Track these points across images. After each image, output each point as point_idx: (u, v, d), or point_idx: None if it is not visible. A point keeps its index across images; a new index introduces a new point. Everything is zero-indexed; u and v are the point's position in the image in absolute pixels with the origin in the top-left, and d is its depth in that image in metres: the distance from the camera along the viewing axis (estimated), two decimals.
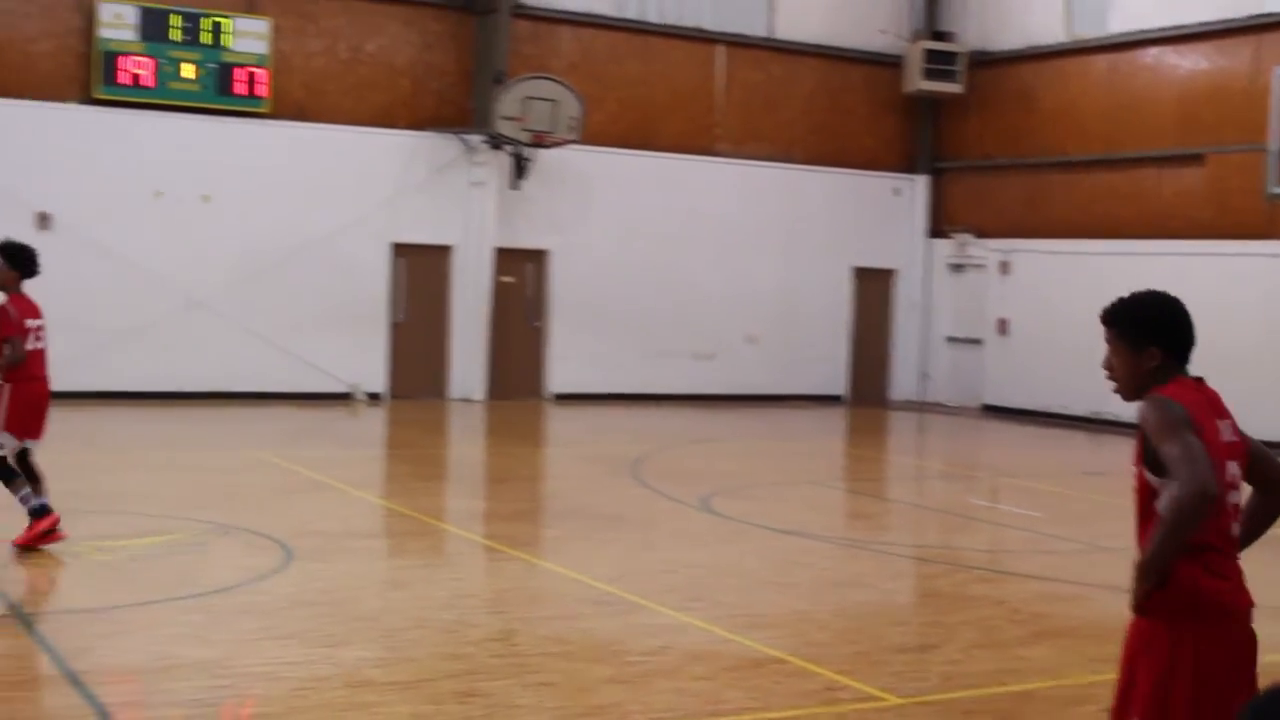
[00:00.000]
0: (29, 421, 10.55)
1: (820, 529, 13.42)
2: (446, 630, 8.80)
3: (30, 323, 10.48)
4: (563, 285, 25.23)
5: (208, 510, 12.59)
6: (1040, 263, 25.50)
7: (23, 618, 8.66)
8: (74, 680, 7.39)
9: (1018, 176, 26.85)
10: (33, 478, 10.53)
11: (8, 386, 10.45)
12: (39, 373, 10.65)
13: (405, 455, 19.18)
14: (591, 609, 9.56)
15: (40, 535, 10.41)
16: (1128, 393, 4.77)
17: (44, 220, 21.44)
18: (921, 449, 23.31)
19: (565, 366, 25.25)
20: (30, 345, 10.44)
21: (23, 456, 10.58)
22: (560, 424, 23.00)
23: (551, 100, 23.79)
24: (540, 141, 23.83)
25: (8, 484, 10.47)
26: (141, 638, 8.33)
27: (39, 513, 10.44)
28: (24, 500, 10.45)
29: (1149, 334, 4.70)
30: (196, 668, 7.72)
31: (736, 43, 26.70)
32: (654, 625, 9.15)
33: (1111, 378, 4.81)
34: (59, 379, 21.01)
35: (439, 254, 24.39)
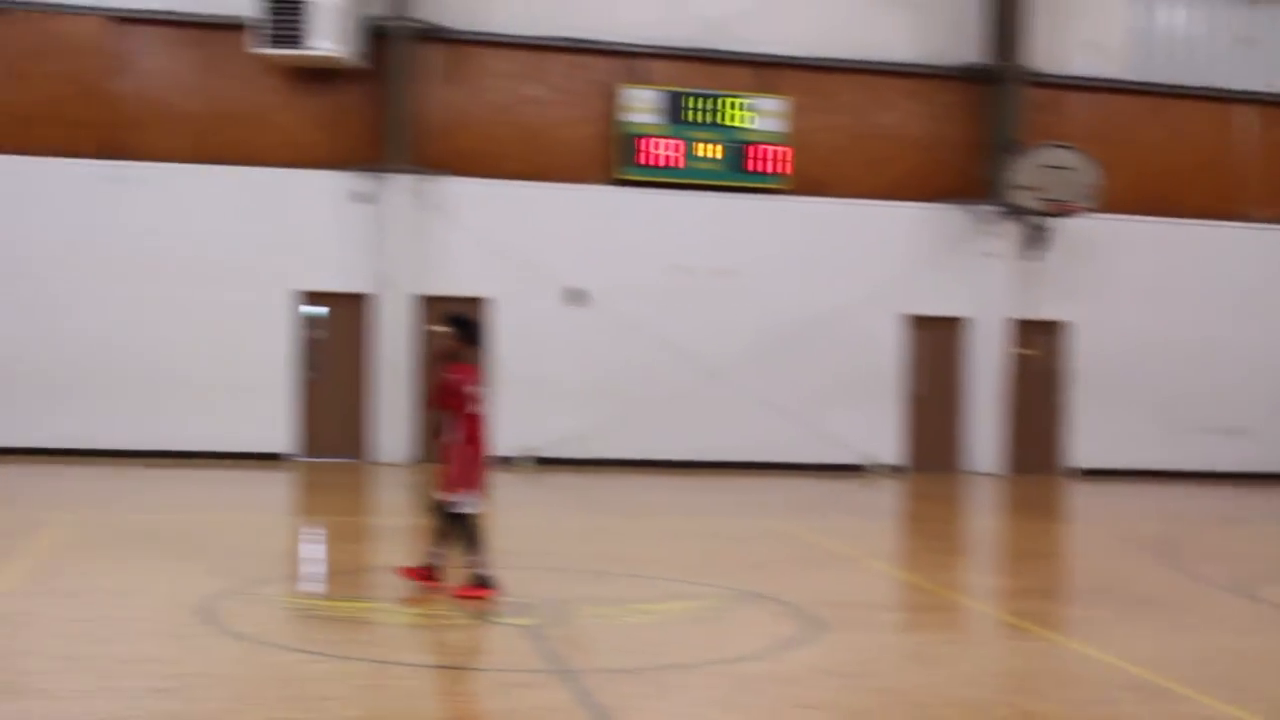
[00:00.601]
0: (483, 480, 11.28)
1: None
2: (975, 709, 8.56)
3: (474, 389, 11.18)
4: (1083, 357, 24.51)
5: (729, 577, 12.81)
6: None
7: (563, 674, 8.99)
8: None
9: None
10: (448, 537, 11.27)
11: (466, 449, 11.13)
12: (483, 435, 11.31)
13: (922, 528, 18.99)
14: (1127, 695, 9.09)
15: (477, 599, 11.01)
16: None
17: (574, 295, 22.57)
18: None
19: (1087, 441, 24.48)
20: (474, 410, 11.14)
21: (446, 513, 11.25)
22: (1082, 500, 22.23)
23: (1067, 168, 23.26)
24: (1056, 211, 23.32)
25: (475, 545, 11.15)
26: (675, 700, 8.50)
27: (487, 583, 11.11)
28: (477, 565, 11.12)
29: None
30: None
31: (1264, 101, 25.36)
32: (1199, 716, 8.62)
33: None
34: (592, 447, 22.23)
35: (952, 326, 24.17)
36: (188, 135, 22.20)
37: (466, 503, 11.14)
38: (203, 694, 8.14)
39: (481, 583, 11.14)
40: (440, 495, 11.25)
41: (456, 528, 11.20)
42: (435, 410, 11.35)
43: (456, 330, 11.37)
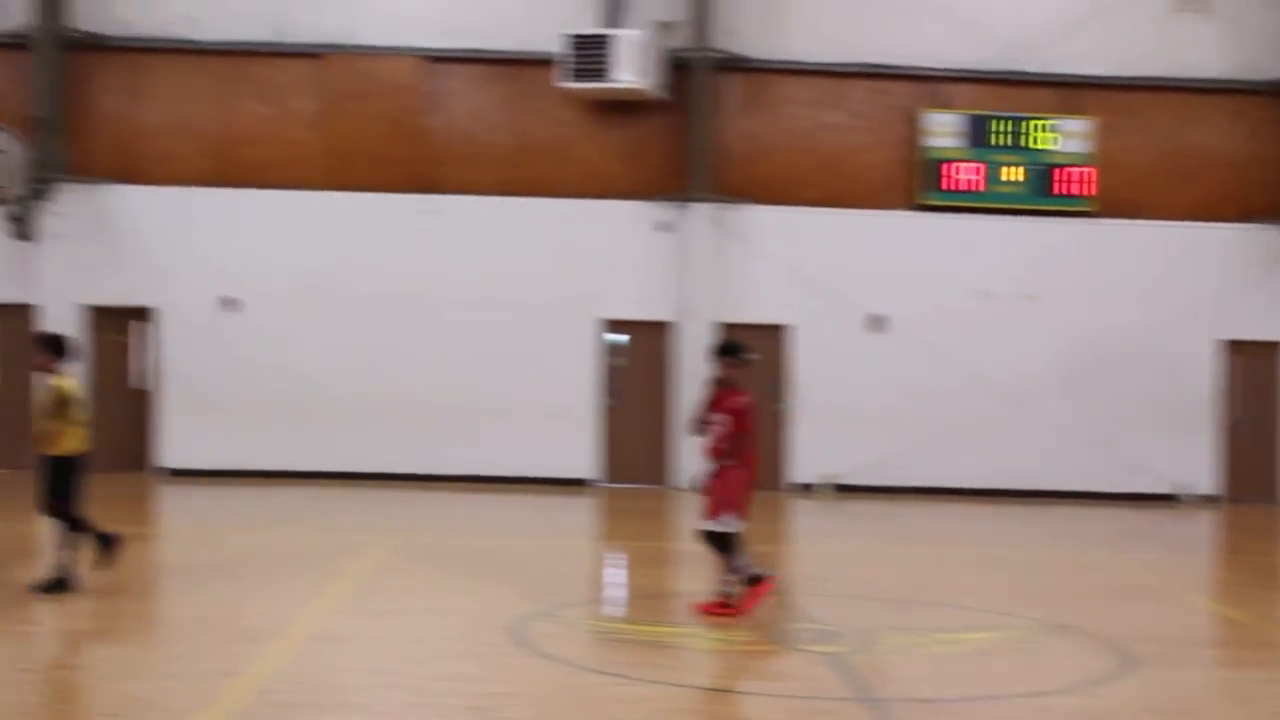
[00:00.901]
0: (748, 504, 11.57)
1: None
2: None
3: (750, 415, 11.51)
4: None
5: (1037, 607, 12.52)
6: None
7: (869, 703, 8.92)
8: None
9: None
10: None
11: (738, 473, 11.45)
12: (753, 459, 11.60)
13: (1240, 561, 18.20)
14: None
15: (761, 596, 11.43)
16: None
17: (876, 322, 22.45)
18: None
19: None
20: (748, 435, 11.47)
21: (712, 533, 11.50)
22: None
23: None
24: None
25: (732, 557, 11.45)
26: None
27: (757, 580, 11.48)
28: (745, 569, 11.43)
29: None
30: None
31: None
32: None
33: None
34: (892, 474, 22.09)
35: (1272, 351, 23.16)
36: (494, 168, 22.87)
37: (730, 523, 11.37)
38: (512, 713, 8.35)
39: (754, 581, 11.47)
40: (708, 518, 11.48)
41: (718, 546, 11.40)
42: (717, 436, 11.51)
43: (729, 357, 11.63)
